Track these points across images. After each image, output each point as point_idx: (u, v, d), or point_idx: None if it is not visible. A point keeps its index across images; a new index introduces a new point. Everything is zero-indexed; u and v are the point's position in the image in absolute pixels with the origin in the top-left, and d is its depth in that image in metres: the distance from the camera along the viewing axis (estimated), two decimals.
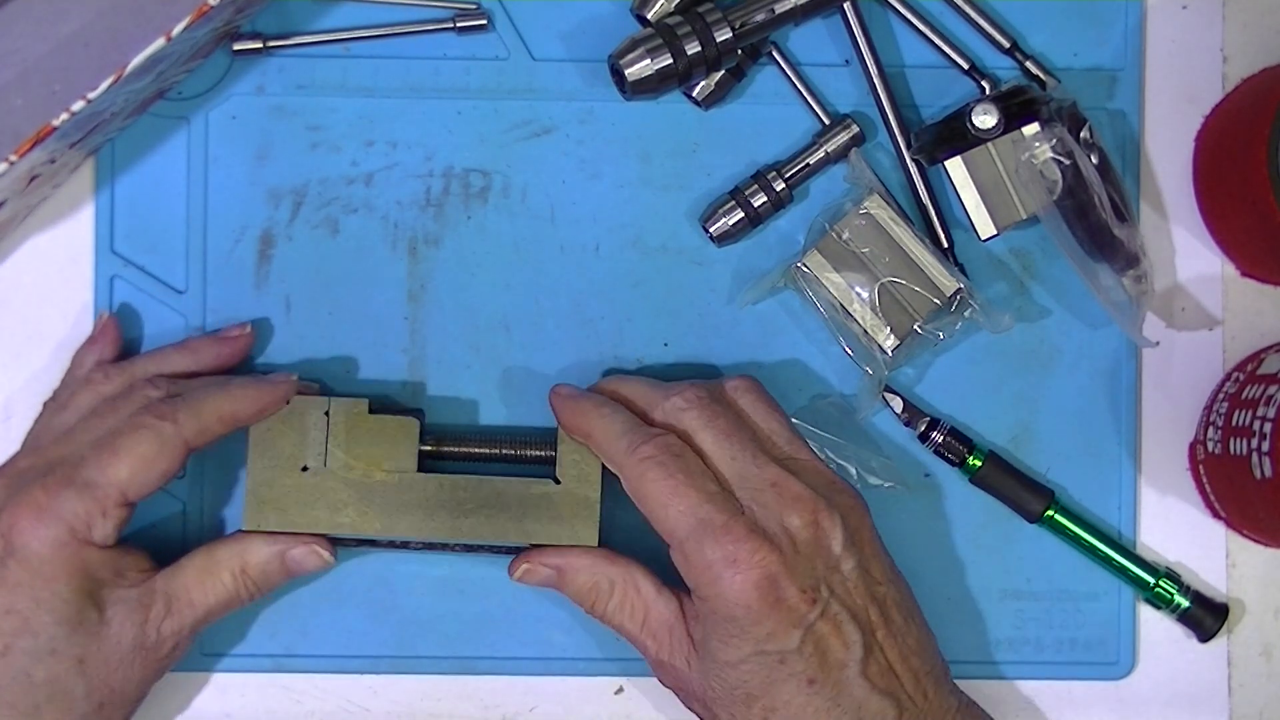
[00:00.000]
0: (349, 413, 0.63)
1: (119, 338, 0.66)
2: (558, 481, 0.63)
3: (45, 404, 0.65)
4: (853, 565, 0.60)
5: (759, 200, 0.67)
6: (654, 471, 0.59)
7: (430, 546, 0.65)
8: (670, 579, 0.62)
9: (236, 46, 0.67)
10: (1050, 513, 0.68)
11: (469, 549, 0.65)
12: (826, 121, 0.68)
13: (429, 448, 0.64)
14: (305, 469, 0.63)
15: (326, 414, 0.63)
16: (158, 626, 0.61)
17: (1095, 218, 0.65)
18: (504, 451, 0.65)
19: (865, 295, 0.66)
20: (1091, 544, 0.68)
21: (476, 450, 0.65)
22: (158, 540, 0.66)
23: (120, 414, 0.61)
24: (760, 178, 0.67)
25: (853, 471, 0.67)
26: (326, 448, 0.63)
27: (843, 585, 0.59)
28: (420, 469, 0.63)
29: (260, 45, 0.67)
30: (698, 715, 0.62)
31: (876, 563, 0.61)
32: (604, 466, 0.63)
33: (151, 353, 0.66)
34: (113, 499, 0.59)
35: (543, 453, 0.65)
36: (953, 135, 0.65)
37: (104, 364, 0.65)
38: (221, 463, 0.67)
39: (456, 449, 0.65)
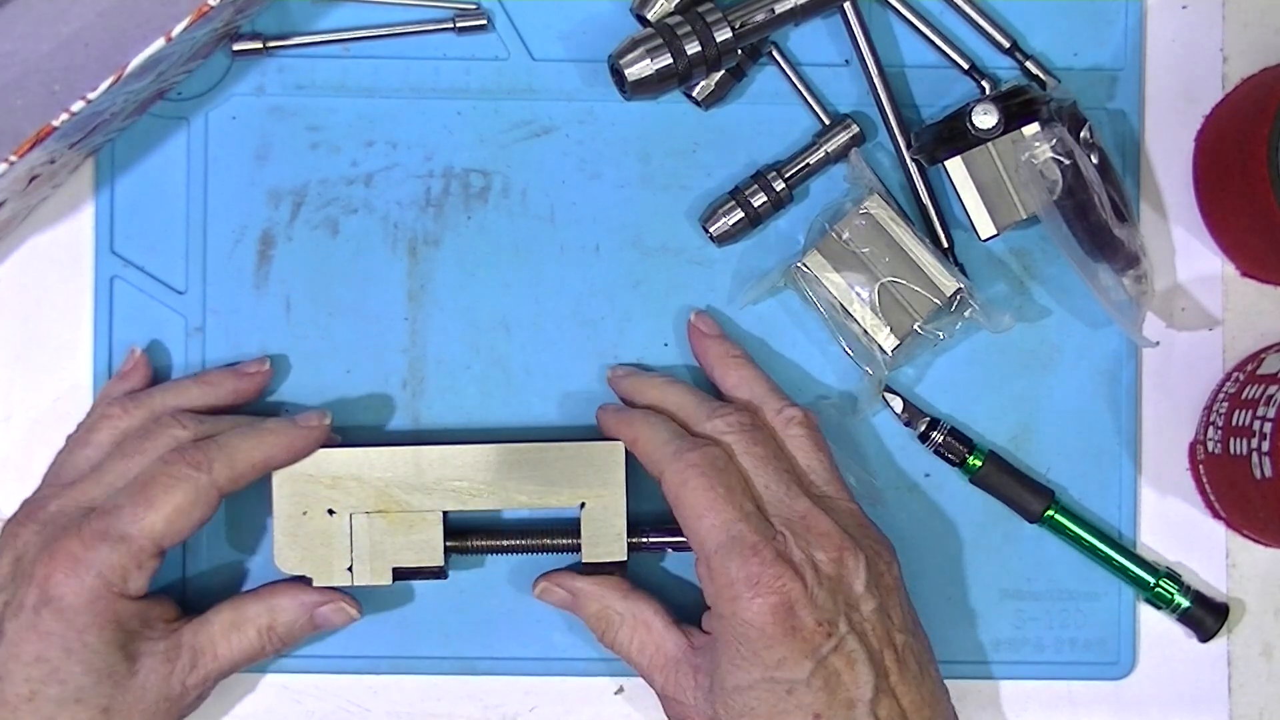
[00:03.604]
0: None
1: (149, 374, 0.66)
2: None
3: (67, 438, 0.64)
4: (873, 607, 0.60)
5: (759, 200, 0.67)
6: (696, 480, 0.60)
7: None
8: (682, 614, 0.63)
9: (236, 47, 0.67)
10: (1050, 513, 0.67)
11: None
12: (826, 121, 0.68)
13: (453, 543, 0.65)
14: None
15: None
16: (183, 679, 0.61)
17: (1095, 218, 0.65)
18: (529, 542, 0.66)
19: (865, 295, 0.66)
20: (1091, 544, 0.68)
21: (502, 543, 0.66)
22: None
23: (148, 454, 0.61)
24: (760, 178, 0.67)
25: (852, 481, 0.67)
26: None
27: (861, 625, 0.59)
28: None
29: (260, 45, 0.67)
30: None
31: (898, 610, 0.61)
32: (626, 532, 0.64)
33: (168, 385, 0.65)
34: (147, 551, 0.59)
35: (568, 540, 0.65)
36: (953, 135, 0.65)
37: (120, 398, 0.64)
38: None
39: (482, 543, 0.66)
